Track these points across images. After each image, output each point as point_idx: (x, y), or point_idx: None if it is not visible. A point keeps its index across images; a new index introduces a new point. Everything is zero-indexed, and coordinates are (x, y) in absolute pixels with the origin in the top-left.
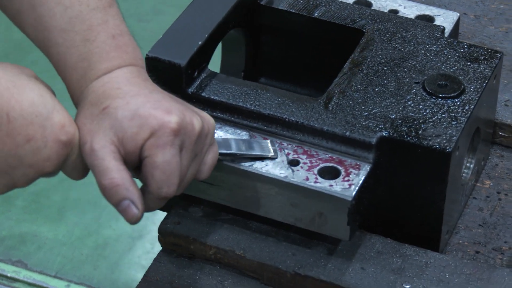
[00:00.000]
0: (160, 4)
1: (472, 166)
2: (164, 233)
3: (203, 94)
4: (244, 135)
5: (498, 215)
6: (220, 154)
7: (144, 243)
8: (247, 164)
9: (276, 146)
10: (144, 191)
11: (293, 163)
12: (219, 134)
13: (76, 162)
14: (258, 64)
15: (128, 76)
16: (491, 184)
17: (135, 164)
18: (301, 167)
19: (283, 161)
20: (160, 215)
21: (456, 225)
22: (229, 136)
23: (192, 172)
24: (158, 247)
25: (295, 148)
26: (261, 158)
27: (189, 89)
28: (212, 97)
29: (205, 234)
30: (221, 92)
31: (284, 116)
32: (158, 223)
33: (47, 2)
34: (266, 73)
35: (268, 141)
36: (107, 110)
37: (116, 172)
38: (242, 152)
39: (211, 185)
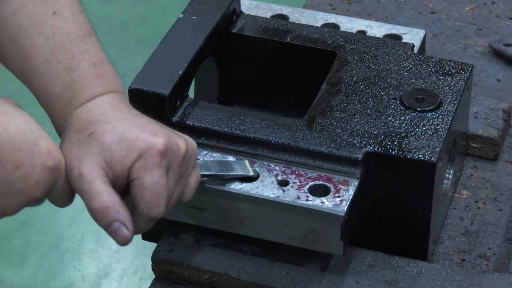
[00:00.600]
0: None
1: (450, 177)
2: (157, 261)
3: (187, 122)
4: (231, 159)
5: (478, 223)
6: (202, 175)
7: (111, 281)
8: (237, 187)
9: (254, 166)
10: (133, 213)
11: (283, 183)
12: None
13: (63, 188)
14: (230, 91)
15: (112, 102)
16: (468, 194)
17: (123, 187)
18: (291, 187)
19: (272, 182)
20: (124, 253)
21: (439, 235)
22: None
23: (178, 193)
24: (124, 285)
25: (283, 168)
26: (242, 178)
27: (173, 118)
28: (196, 124)
29: (199, 259)
30: (205, 119)
31: (270, 139)
32: (123, 261)
33: (28, 33)
34: (239, 100)
35: (247, 161)
36: (94, 135)
37: (106, 195)
38: (223, 173)
39: (201, 210)
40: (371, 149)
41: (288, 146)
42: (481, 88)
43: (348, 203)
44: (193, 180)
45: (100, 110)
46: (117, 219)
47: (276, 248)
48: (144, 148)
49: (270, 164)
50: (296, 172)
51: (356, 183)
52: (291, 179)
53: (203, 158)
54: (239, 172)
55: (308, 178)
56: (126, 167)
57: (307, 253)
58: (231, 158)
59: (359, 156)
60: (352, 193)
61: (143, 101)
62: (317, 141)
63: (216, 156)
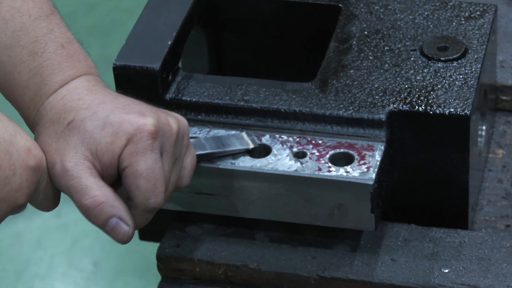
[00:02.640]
0: None
1: (484, 134)
2: (163, 259)
3: (184, 98)
4: (225, 133)
5: None
6: (197, 156)
7: None
8: (248, 164)
9: (264, 139)
10: (128, 206)
11: (300, 155)
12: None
13: (46, 189)
14: (223, 64)
15: (87, 85)
16: (504, 152)
17: (113, 178)
18: (310, 158)
19: (287, 155)
20: (102, 273)
21: (477, 201)
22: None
23: (174, 179)
24: None
25: (298, 139)
26: (240, 153)
27: (167, 95)
28: (194, 99)
29: (211, 252)
30: (203, 92)
31: (279, 107)
32: (101, 282)
33: None
34: (234, 74)
35: (244, 132)
36: (73, 124)
37: (97, 189)
38: (219, 150)
39: (210, 195)
40: (395, 107)
41: (301, 114)
42: (502, 35)
43: (376, 169)
44: (189, 162)
45: (75, 95)
46: (113, 215)
47: (297, 231)
48: (132, 131)
49: (283, 136)
50: (313, 142)
51: (382, 147)
52: (308, 149)
53: (205, 135)
54: (237, 146)
55: (328, 146)
56: (115, 155)
57: (333, 233)
58: (238, 133)
59: (383, 116)
60: (379, 159)
61: (131, 79)
62: (333, 105)
63: (221, 132)
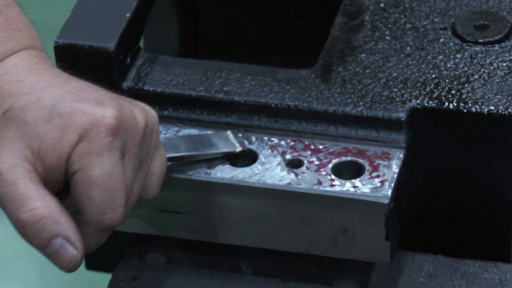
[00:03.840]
0: None
1: None
2: None
3: (146, 87)
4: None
5: None
6: (169, 159)
7: None
8: (228, 175)
9: (240, 135)
10: (77, 222)
11: (294, 164)
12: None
13: None
14: (197, 43)
15: (29, 63)
16: None
17: (60, 185)
18: (307, 168)
19: (278, 163)
20: None
21: None
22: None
23: (138, 188)
24: None
25: (292, 143)
26: (225, 157)
27: (125, 83)
28: (159, 89)
29: (178, 287)
30: (170, 80)
31: (269, 101)
32: None
33: None
34: (210, 55)
35: (229, 131)
36: (10, 114)
37: (38, 200)
38: (197, 153)
39: (177, 213)
40: (418, 103)
41: (296, 110)
42: None
43: (392, 184)
44: (158, 167)
45: (13, 76)
46: (58, 234)
47: (290, 261)
48: (86, 125)
49: (273, 138)
50: (312, 147)
51: (401, 155)
52: (305, 157)
53: (173, 135)
54: (221, 148)
55: (330, 153)
56: (63, 155)
57: (337, 264)
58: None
59: (402, 115)
60: (396, 170)
61: (77, 62)
62: (339, 99)
63: (193, 131)
